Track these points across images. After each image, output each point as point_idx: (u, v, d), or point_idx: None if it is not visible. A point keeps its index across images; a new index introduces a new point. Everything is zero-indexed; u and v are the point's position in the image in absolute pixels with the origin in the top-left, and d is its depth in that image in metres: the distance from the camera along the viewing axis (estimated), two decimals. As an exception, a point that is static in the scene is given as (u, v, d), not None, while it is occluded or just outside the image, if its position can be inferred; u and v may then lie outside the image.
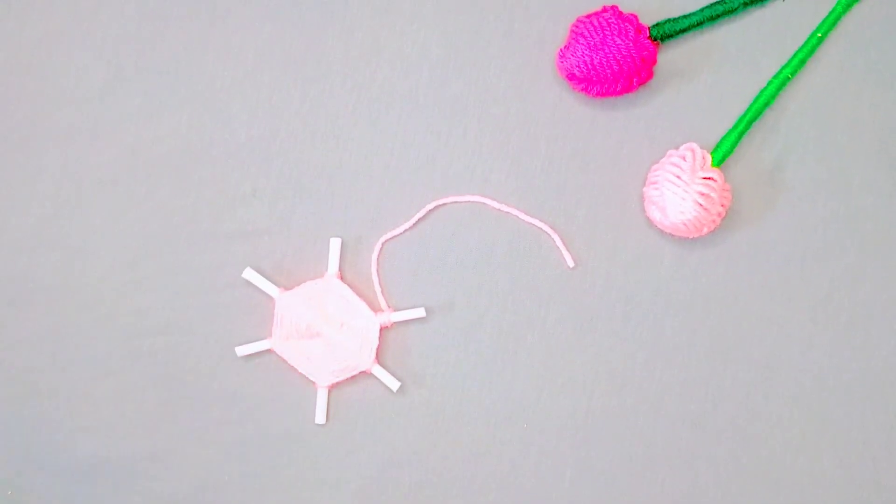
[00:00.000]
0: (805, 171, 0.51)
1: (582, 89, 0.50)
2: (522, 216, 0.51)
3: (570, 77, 0.50)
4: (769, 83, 0.51)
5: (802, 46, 0.51)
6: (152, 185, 0.53)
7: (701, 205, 0.48)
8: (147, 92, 0.53)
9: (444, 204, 0.52)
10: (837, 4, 0.51)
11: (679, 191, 0.48)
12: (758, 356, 0.50)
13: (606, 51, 0.49)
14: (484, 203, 0.52)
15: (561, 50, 0.50)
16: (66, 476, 0.51)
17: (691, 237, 0.50)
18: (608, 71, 0.49)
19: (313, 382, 0.51)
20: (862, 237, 0.50)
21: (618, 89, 0.50)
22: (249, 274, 0.51)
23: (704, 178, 0.48)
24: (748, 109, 0.50)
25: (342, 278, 0.52)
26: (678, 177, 0.48)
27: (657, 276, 0.51)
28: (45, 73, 0.53)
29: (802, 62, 0.51)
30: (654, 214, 0.49)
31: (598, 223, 0.51)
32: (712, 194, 0.48)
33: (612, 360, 0.51)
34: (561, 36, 0.52)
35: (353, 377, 0.51)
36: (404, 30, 0.53)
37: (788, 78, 0.51)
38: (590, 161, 0.51)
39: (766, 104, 0.51)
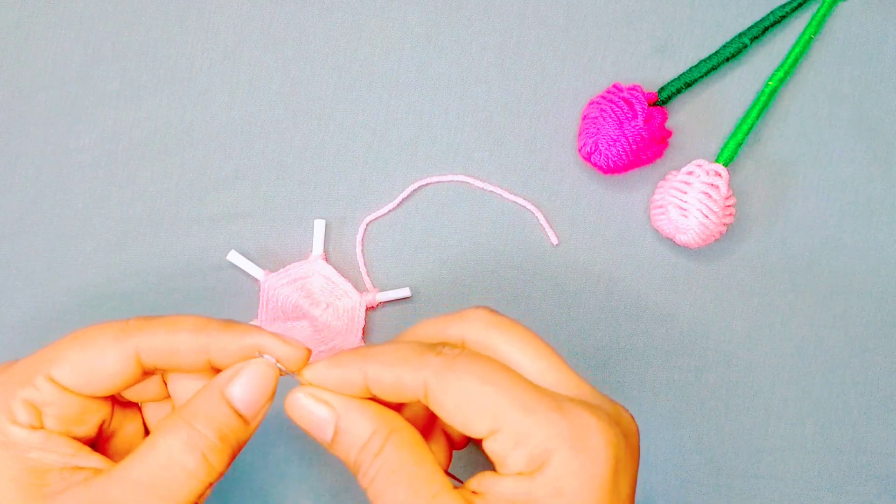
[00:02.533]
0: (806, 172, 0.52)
1: (611, 172, 0.50)
2: (506, 195, 0.52)
3: (599, 168, 0.50)
4: (765, 86, 0.51)
5: (793, 48, 0.51)
6: (133, 168, 0.52)
7: (722, 228, 0.49)
8: (125, 74, 0.52)
9: (428, 184, 0.52)
10: (822, 4, 0.52)
11: (709, 223, 0.48)
12: (739, 327, 0.51)
13: (627, 137, 0.49)
14: (467, 182, 0.52)
15: (582, 148, 0.50)
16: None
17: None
18: (636, 157, 0.49)
19: (301, 363, 0.51)
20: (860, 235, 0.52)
21: (645, 159, 0.50)
22: (234, 256, 0.51)
23: (728, 206, 0.49)
24: (746, 115, 0.51)
25: (327, 259, 0.52)
26: (710, 209, 0.48)
27: (639, 252, 0.52)
28: (22, 56, 0.52)
29: (795, 63, 0.51)
30: (668, 229, 0.49)
31: (580, 201, 0.52)
32: (732, 221, 0.49)
33: (596, 334, 0.51)
34: (542, 10, 0.52)
35: (340, 357, 0.51)
36: (385, 8, 0.53)
37: (783, 79, 0.51)
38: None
39: (764, 108, 0.51)
